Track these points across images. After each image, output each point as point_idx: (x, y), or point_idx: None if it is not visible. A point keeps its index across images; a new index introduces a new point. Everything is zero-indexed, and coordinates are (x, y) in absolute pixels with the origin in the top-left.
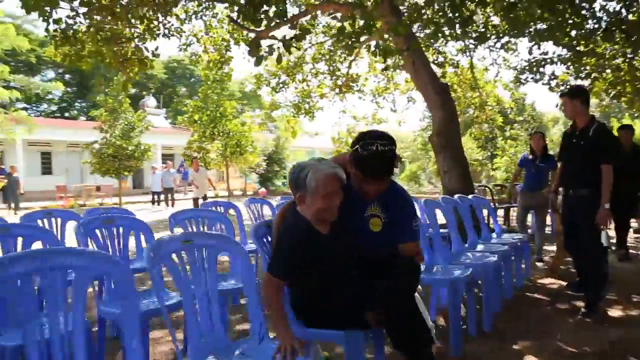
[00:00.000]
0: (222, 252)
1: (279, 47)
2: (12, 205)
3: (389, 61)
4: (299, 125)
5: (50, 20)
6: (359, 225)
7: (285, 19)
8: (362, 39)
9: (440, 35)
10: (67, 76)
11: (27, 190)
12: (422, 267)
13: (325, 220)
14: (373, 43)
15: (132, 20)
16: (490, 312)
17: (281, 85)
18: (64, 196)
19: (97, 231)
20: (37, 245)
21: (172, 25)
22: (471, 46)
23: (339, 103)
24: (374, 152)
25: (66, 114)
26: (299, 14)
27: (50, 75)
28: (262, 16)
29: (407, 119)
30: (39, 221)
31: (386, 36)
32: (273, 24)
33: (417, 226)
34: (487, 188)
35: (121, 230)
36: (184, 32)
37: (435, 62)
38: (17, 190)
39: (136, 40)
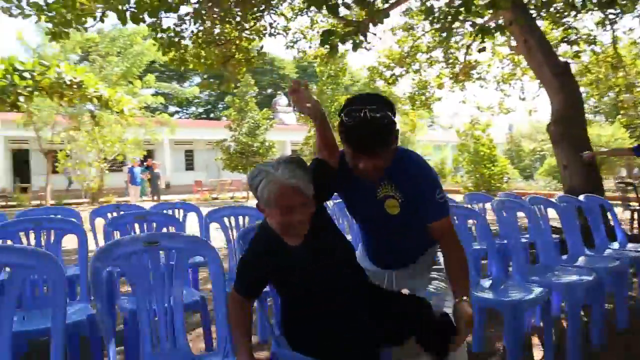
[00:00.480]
0: (193, 255)
1: (356, 34)
2: (155, 197)
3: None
4: (418, 118)
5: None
6: (374, 211)
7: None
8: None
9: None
10: (211, 80)
11: (173, 184)
12: (487, 283)
13: (291, 236)
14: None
15: (231, 21)
16: (577, 349)
17: (394, 76)
18: (200, 190)
19: (128, 226)
20: (68, 238)
21: (278, 24)
22: (611, 16)
23: (458, 93)
24: (360, 119)
25: (211, 115)
26: (393, 3)
27: (197, 81)
28: (340, 3)
29: (539, 107)
30: (109, 214)
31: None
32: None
33: (442, 197)
34: (632, 186)
35: (154, 226)
36: (290, 29)
37: (566, 39)
38: (158, 184)
39: (237, 40)
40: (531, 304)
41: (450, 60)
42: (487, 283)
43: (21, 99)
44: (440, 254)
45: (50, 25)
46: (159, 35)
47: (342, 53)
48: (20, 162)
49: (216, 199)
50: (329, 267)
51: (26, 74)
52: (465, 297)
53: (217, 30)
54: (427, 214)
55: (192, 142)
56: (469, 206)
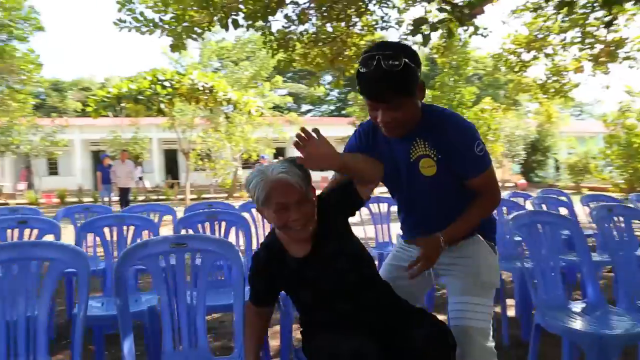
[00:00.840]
0: (220, 258)
1: (451, 19)
2: None
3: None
4: (560, 108)
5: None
6: (409, 176)
7: None
8: None
9: None
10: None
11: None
12: (579, 307)
13: (293, 239)
14: None
15: (340, 18)
16: None
17: (522, 63)
18: (326, 185)
19: (199, 225)
20: (145, 234)
21: (390, 16)
22: None
23: (600, 77)
24: (374, 67)
25: (343, 112)
26: None
27: (329, 79)
28: None
29: None
30: (201, 210)
31: None
32: None
33: (481, 150)
34: None
35: (223, 225)
36: (404, 21)
37: None
38: None
39: (346, 37)
40: (630, 339)
41: (589, 40)
42: (578, 307)
43: (162, 105)
44: (482, 256)
45: (169, 38)
46: (269, 37)
47: (465, 41)
48: (171, 161)
49: None
50: (333, 281)
51: (166, 83)
52: (443, 237)
53: (329, 28)
54: (465, 171)
55: None
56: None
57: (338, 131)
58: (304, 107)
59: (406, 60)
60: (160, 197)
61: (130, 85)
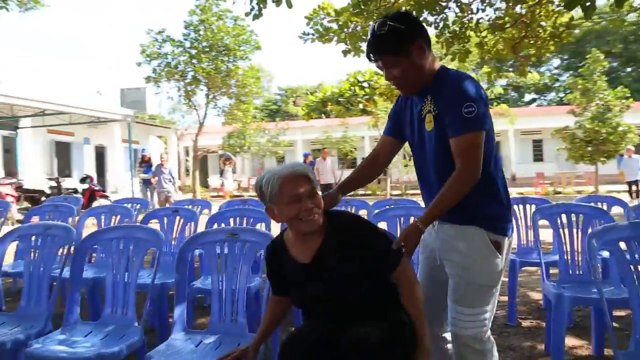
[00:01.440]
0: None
1: None
2: None
3: None
4: None
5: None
6: (419, 130)
7: None
8: None
9: None
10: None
11: (519, 175)
12: None
13: (303, 231)
14: None
15: None
16: None
17: None
18: (541, 183)
19: None
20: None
21: None
22: None
23: None
24: (370, 33)
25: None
26: None
27: (556, 64)
28: None
29: None
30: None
31: None
32: None
33: (471, 112)
34: None
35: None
36: None
37: None
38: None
39: (537, 18)
40: None
41: None
42: None
43: (361, 105)
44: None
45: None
46: (442, 32)
47: None
48: None
49: (558, 193)
50: (319, 291)
51: (364, 84)
52: (419, 222)
53: (520, 10)
54: (448, 128)
55: (541, 131)
56: None
57: (567, 121)
58: (528, 97)
59: (392, 24)
60: (367, 192)
61: (333, 89)
